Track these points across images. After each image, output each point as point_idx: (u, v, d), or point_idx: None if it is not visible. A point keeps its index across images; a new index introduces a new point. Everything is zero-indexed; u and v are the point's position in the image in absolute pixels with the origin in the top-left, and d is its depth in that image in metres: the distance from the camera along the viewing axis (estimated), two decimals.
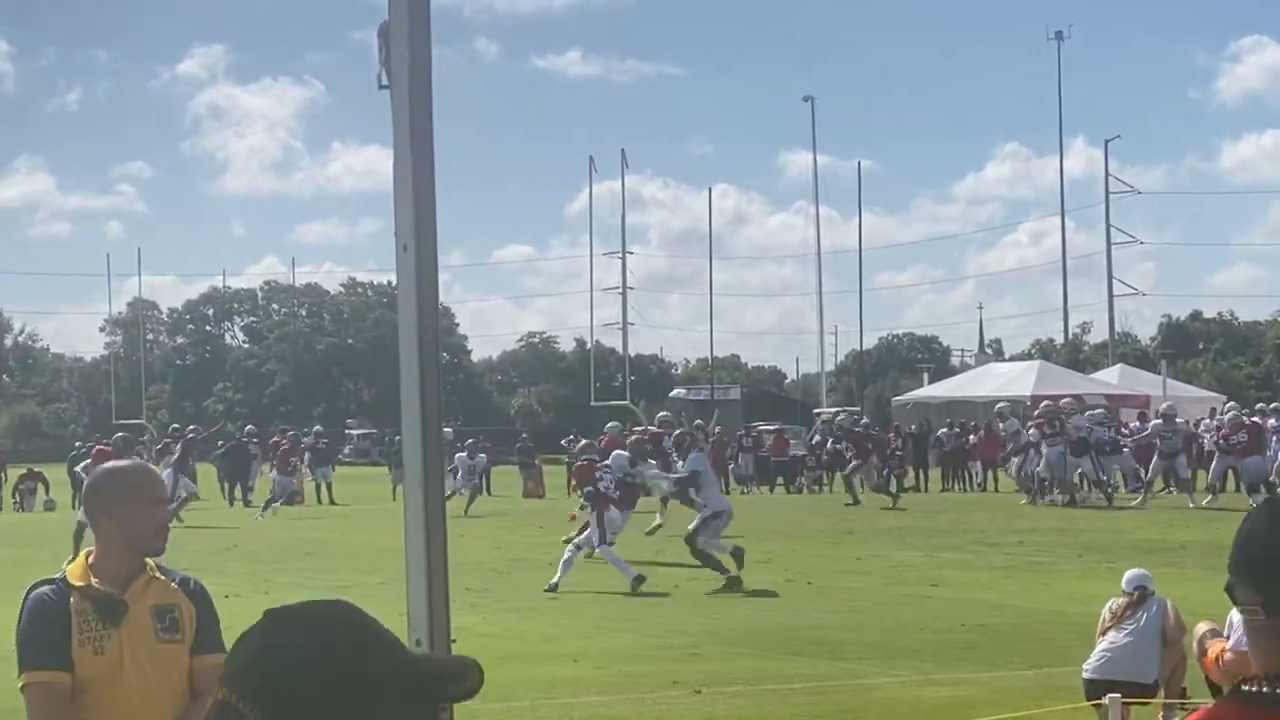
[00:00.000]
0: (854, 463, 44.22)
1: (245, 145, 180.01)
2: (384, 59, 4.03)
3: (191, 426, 51.63)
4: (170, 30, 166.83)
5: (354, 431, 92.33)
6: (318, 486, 49.33)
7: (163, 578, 5.33)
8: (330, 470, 50.50)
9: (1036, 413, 42.78)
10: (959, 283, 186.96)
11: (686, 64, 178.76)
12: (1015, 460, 43.94)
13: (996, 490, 46.75)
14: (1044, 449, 40.12)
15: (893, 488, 44.95)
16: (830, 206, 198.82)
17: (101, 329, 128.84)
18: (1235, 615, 12.36)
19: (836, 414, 56.99)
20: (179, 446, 41.21)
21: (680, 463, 27.83)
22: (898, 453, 51.56)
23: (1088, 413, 41.71)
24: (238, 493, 49.09)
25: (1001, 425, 46.10)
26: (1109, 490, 39.67)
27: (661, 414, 44.57)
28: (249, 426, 56.48)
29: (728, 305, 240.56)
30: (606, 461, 25.46)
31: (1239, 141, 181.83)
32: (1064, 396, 47.18)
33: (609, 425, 40.09)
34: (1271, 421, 46.32)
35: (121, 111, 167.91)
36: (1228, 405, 44.31)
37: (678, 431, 32.29)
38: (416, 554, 3.93)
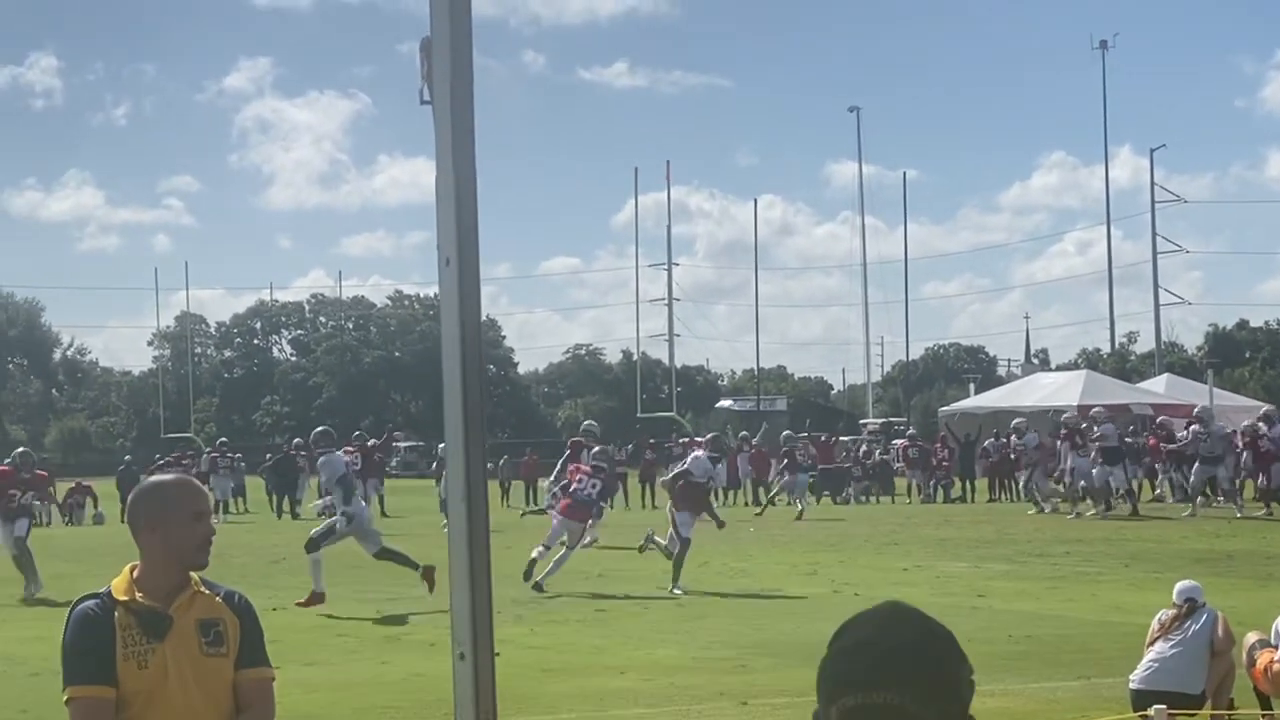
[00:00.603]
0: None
1: (292, 158, 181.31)
2: (426, 74, 4.04)
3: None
4: (217, 44, 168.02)
5: (401, 444, 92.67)
6: (367, 499, 49.40)
7: (207, 592, 5.35)
8: (380, 483, 50.65)
9: (1062, 421, 42.85)
10: (1005, 292, 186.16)
11: (732, 75, 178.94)
12: (1023, 474, 44.23)
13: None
14: (1072, 459, 40.21)
15: (939, 498, 44.92)
16: (876, 217, 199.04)
17: (150, 343, 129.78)
18: None
19: (884, 424, 56.86)
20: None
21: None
22: (944, 463, 51.51)
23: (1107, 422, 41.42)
24: (285, 505, 49.30)
25: (1018, 439, 45.83)
26: (1134, 499, 39.73)
27: (586, 424, 44.59)
28: (296, 439, 56.72)
29: (773, 316, 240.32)
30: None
31: None
32: (1110, 406, 47.00)
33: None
34: None
35: (169, 125, 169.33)
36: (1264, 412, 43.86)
37: (711, 435, 31.78)
38: (460, 566, 3.93)
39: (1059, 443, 41.37)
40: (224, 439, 58.71)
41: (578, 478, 26.06)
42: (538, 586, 23.64)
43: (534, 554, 24.63)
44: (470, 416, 3.85)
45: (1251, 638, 12.62)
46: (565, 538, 24.96)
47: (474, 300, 3.90)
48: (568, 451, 33.07)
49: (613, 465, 29.28)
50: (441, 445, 6.60)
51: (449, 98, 3.89)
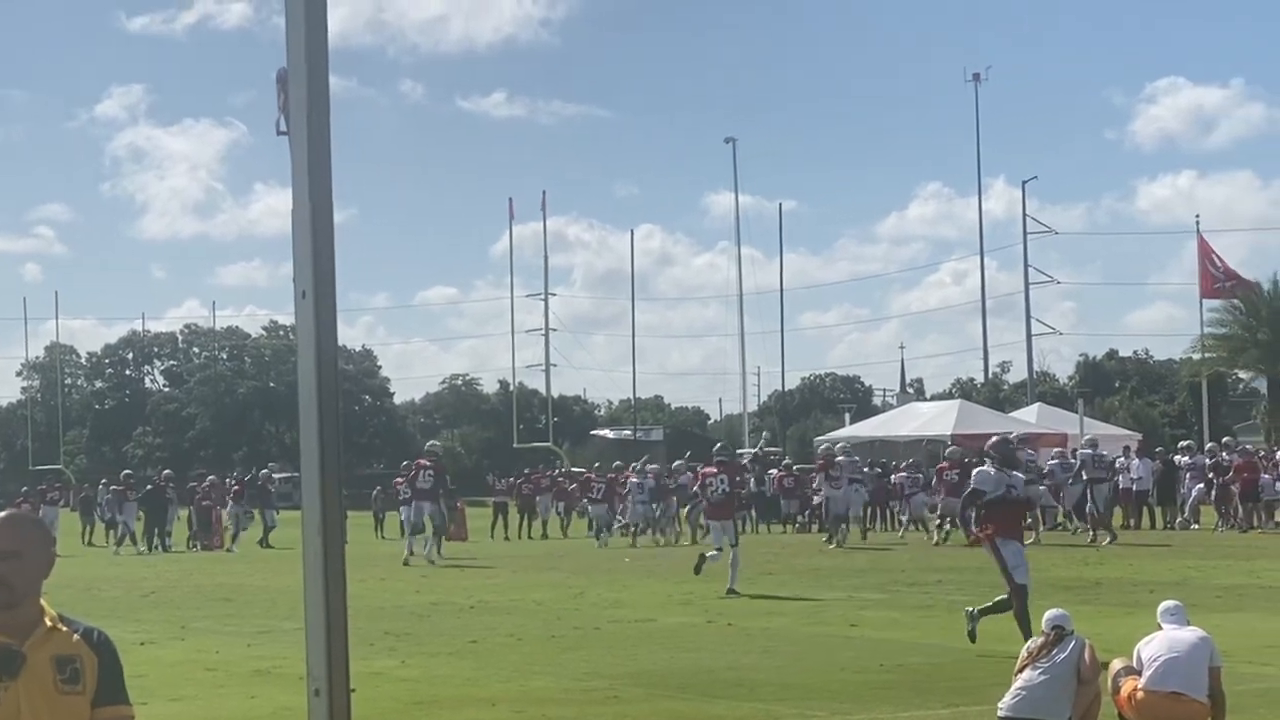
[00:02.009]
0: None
1: (166, 187, 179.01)
2: (283, 105, 4.03)
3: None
4: (89, 70, 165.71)
5: (276, 475, 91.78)
6: (267, 529, 49.40)
7: (64, 628, 5.27)
8: (276, 512, 50.80)
9: (820, 453, 44.84)
10: (882, 322, 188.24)
11: (611, 105, 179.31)
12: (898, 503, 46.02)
13: (918, 529, 46.89)
14: (826, 489, 43.09)
15: (815, 529, 45.28)
16: (754, 247, 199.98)
17: (18, 373, 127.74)
18: (1145, 651, 12.47)
19: (757, 450, 57.15)
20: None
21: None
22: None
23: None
24: (156, 537, 48.84)
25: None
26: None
27: (430, 444, 45.57)
28: (166, 471, 56.07)
29: (652, 346, 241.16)
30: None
31: (1154, 182, 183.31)
32: (984, 435, 47.53)
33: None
34: (1185, 459, 46.89)
35: (39, 153, 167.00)
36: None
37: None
38: (315, 600, 3.90)
39: (817, 474, 43.42)
40: (128, 471, 57.71)
41: (707, 480, 28.73)
42: (732, 591, 26.27)
43: (709, 555, 27.50)
44: (326, 450, 3.84)
45: (1116, 665, 12.80)
46: (726, 537, 27.61)
47: (330, 334, 3.88)
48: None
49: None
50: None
51: (305, 129, 3.88)
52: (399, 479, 47.03)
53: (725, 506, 28.17)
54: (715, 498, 28.21)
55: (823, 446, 46.00)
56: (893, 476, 49.60)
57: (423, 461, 40.14)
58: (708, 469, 29.25)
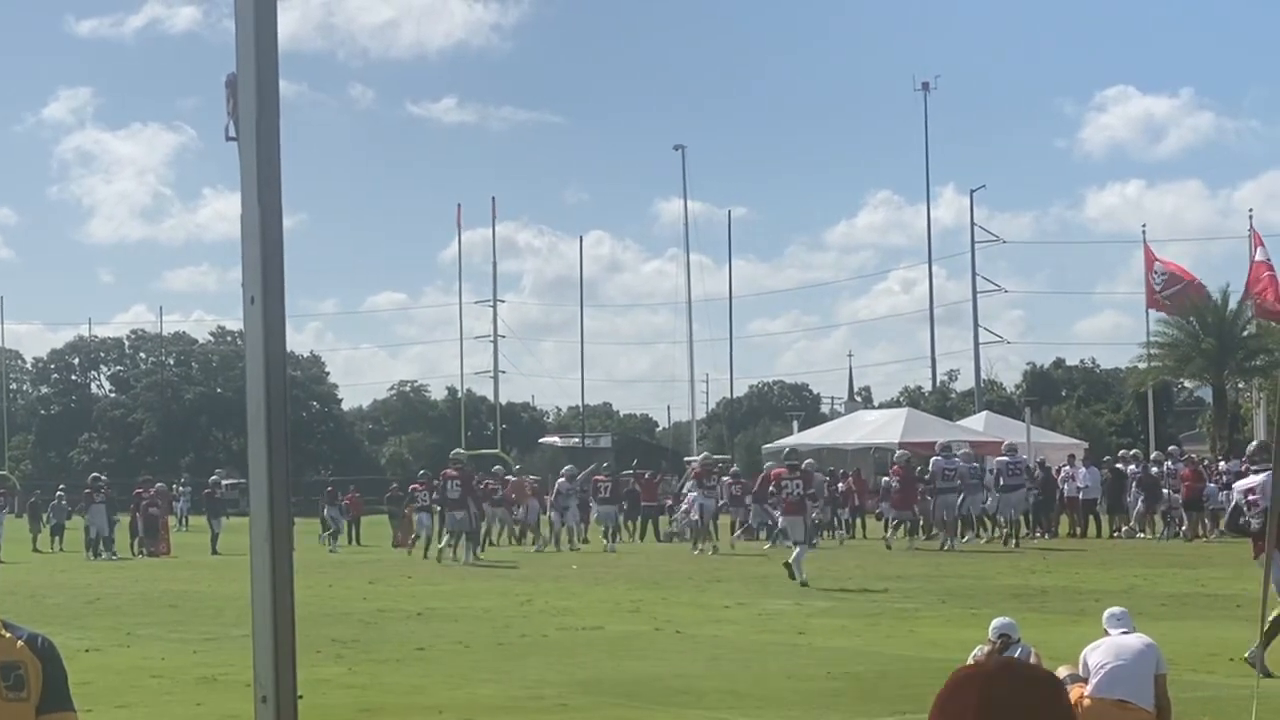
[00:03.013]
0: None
1: (114, 191, 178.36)
2: (232, 110, 4.01)
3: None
4: (35, 73, 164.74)
5: (223, 482, 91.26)
6: (215, 536, 49.39)
7: (8, 635, 5.22)
8: (222, 520, 50.78)
9: (699, 462, 45.99)
10: (831, 330, 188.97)
11: (562, 111, 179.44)
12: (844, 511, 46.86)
13: (865, 537, 47.07)
14: (699, 497, 44.47)
15: (762, 535, 45.41)
16: (703, 254, 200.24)
17: None
18: (1092, 658, 12.52)
19: (704, 458, 57.21)
20: None
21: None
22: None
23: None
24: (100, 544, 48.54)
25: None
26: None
27: (454, 452, 46.27)
28: (102, 476, 55.46)
29: (600, 353, 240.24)
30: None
31: (1104, 190, 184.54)
32: (931, 443, 47.77)
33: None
34: (1132, 468, 47.21)
35: None
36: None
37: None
38: (262, 607, 3.88)
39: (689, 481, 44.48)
40: (98, 474, 57.18)
41: (781, 481, 32.03)
42: (804, 583, 29.03)
43: (790, 560, 30.26)
44: (274, 456, 3.82)
45: (1063, 672, 12.85)
46: (792, 533, 31.34)
47: (279, 340, 3.86)
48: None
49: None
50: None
51: (254, 134, 3.87)
52: (416, 485, 47.94)
53: (800, 505, 31.33)
54: (791, 497, 31.50)
55: (702, 455, 47.42)
56: (840, 484, 49.78)
57: (449, 472, 41.50)
58: (779, 470, 32.97)
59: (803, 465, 33.31)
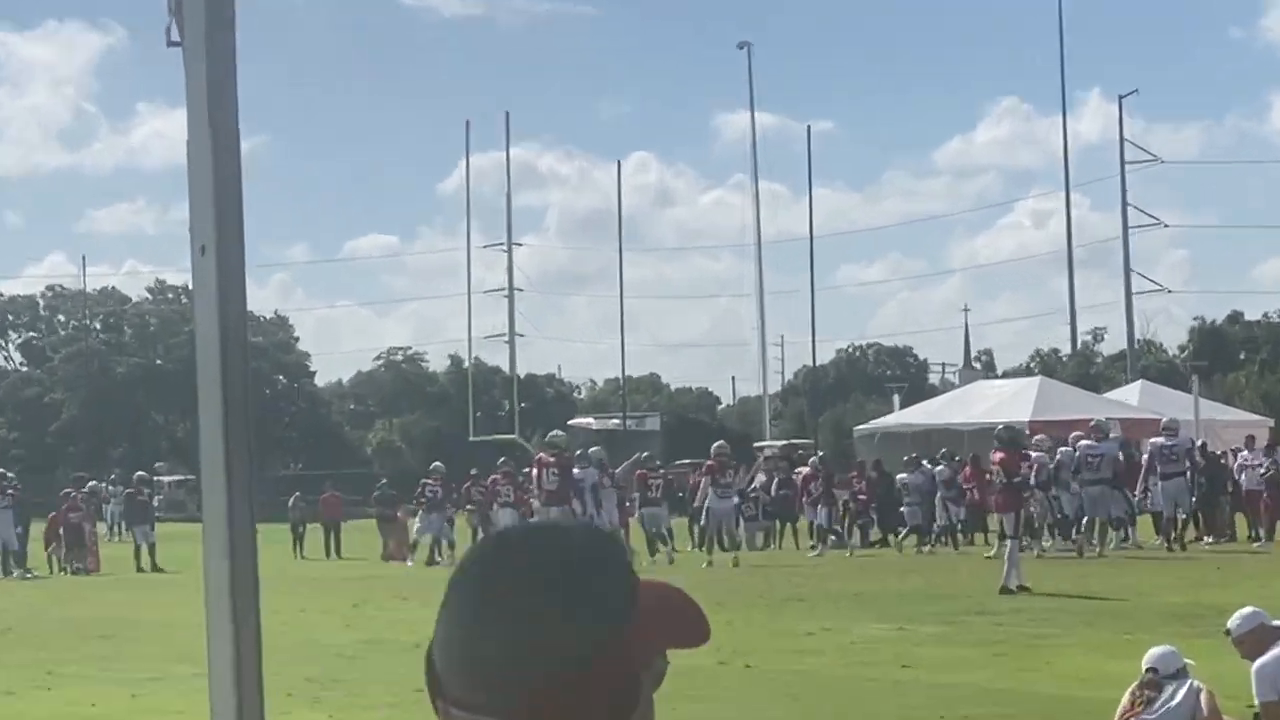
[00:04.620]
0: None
1: (23, 107, 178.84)
2: (174, 7, 4.03)
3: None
4: None
5: (164, 478, 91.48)
6: (138, 549, 49.70)
7: None
8: (151, 529, 51.01)
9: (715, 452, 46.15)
10: (942, 278, 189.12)
11: (594, 1, 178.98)
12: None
13: (987, 542, 47.01)
14: (711, 500, 45.15)
15: (855, 541, 45.51)
16: (777, 181, 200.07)
17: None
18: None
19: (784, 447, 57.19)
20: None
21: None
22: (860, 497, 51.80)
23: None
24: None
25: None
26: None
27: (551, 434, 46.02)
28: (9, 474, 55.58)
29: (645, 310, 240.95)
30: None
31: None
32: (1071, 422, 47.65)
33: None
34: None
35: None
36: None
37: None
38: (221, 639, 3.92)
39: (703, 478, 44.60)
40: (3, 470, 57.52)
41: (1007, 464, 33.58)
42: (1005, 589, 30.80)
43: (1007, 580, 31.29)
44: (232, 446, 3.85)
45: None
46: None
47: (236, 296, 3.89)
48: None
49: None
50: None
51: (203, 36, 3.89)
52: (497, 476, 50.60)
53: (1009, 495, 33.28)
54: (998, 485, 33.62)
55: (715, 446, 47.21)
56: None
57: (544, 457, 41.51)
58: (999, 453, 34.13)
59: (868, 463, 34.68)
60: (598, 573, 2.55)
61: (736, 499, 50.32)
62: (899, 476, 50.36)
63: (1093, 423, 44.40)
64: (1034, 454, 41.59)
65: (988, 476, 42.02)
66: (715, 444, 47.75)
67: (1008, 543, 32.51)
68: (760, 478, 55.29)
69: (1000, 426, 36.14)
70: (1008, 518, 33.19)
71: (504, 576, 2.52)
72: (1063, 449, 42.99)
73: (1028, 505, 33.77)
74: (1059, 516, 43.68)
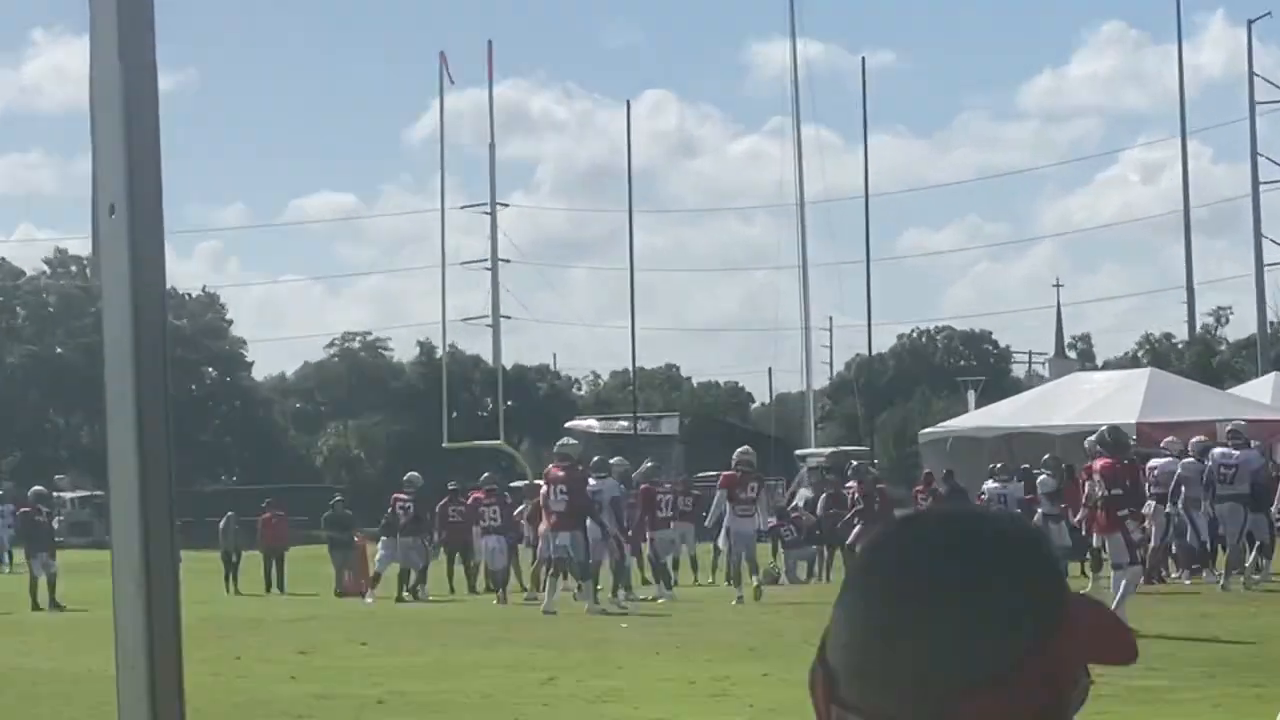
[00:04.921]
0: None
1: None
2: None
3: None
4: None
5: (66, 494, 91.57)
6: (34, 582, 49.74)
7: None
8: (52, 557, 50.89)
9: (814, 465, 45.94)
10: (1028, 246, 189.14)
11: None
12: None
13: (1100, 573, 47.03)
14: (730, 520, 45.10)
15: None
16: (825, 126, 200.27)
17: None
18: None
19: (832, 455, 57.23)
20: None
21: None
22: None
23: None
24: None
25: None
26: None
27: (561, 444, 45.94)
28: None
29: (661, 286, 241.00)
30: None
31: None
32: (1188, 425, 47.70)
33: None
34: None
35: None
36: None
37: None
38: (133, 697, 3.91)
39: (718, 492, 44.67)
40: None
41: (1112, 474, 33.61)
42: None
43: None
44: (149, 454, 3.84)
45: None
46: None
47: (154, 269, 3.88)
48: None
49: None
50: None
51: None
52: (479, 493, 52.31)
53: (1114, 514, 33.29)
54: (1099, 501, 33.84)
55: (738, 452, 46.92)
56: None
57: (554, 470, 41.60)
58: (1101, 460, 34.23)
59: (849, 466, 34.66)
60: (1029, 570, 2.59)
61: (774, 519, 50.43)
62: (987, 485, 50.40)
63: (1230, 426, 44.39)
64: (1157, 461, 41.66)
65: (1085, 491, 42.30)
66: (738, 450, 47.67)
67: (1115, 574, 32.73)
68: (804, 493, 55.37)
69: (1104, 428, 35.96)
70: (1112, 541, 33.31)
71: (921, 570, 2.55)
72: (1185, 460, 42.99)
73: (1148, 524, 33.64)
74: (1179, 541, 43.79)
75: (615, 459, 48.38)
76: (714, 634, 34.82)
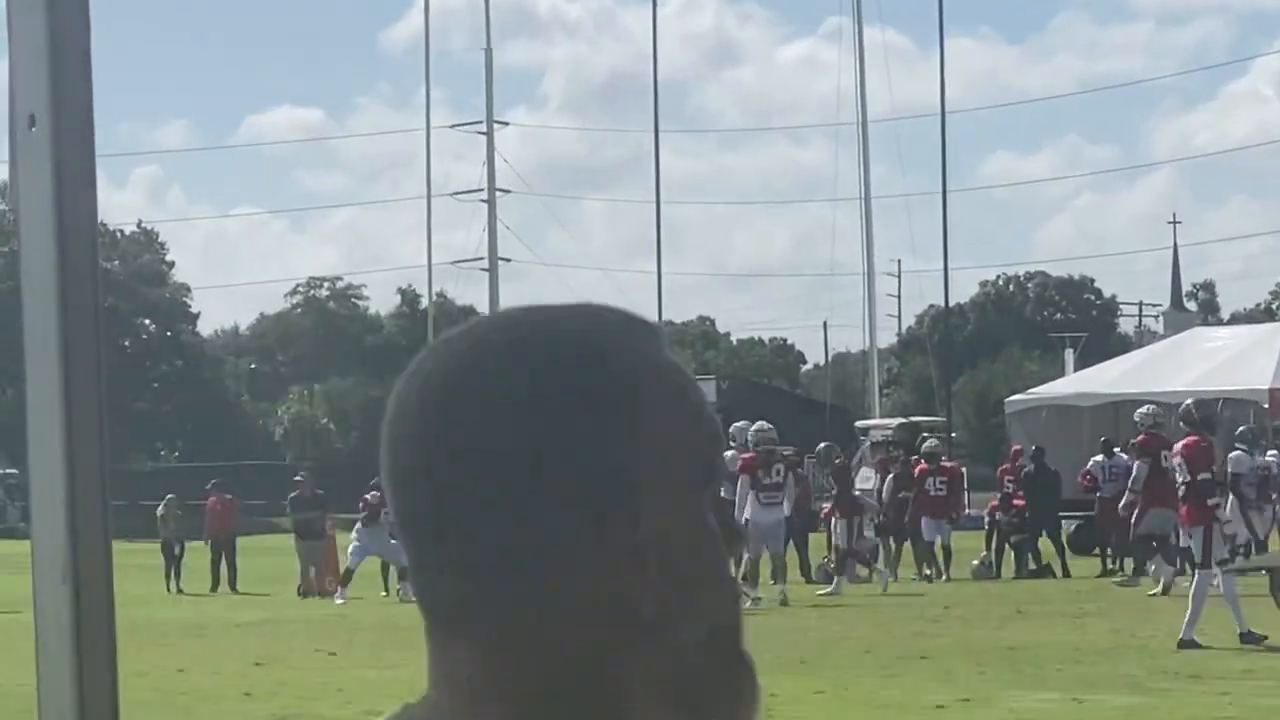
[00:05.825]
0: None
1: None
2: None
3: None
4: None
5: None
6: None
7: None
8: None
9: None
10: (1138, 175, 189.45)
11: None
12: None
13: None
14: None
15: (1006, 568, 45.62)
16: (892, 27, 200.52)
17: None
18: None
19: (900, 427, 57.43)
20: None
21: None
22: (1015, 502, 51.82)
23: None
24: None
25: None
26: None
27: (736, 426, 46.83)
28: None
29: (695, 223, 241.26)
30: None
31: None
32: None
33: None
34: None
35: None
36: None
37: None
38: (59, 713, 3.91)
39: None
40: None
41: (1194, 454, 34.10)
42: (1245, 635, 31.94)
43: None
44: (77, 425, 3.82)
45: None
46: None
47: (85, 199, 3.87)
48: None
49: None
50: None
51: None
52: None
53: (1199, 502, 33.65)
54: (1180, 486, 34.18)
55: (753, 429, 47.16)
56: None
57: None
58: (1188, 439, 34.51)
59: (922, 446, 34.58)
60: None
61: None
62: (1095, 460, 50.44)
63: None
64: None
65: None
66: (753, 426, 47.84)
67: (1198, 573, 33.05)
68: (868, 475, 55.36)
69: (1188, 401, 35.82)
70: (1196, 534, 33.55)
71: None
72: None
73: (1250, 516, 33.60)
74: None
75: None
76: (757, 642, 34.84)
